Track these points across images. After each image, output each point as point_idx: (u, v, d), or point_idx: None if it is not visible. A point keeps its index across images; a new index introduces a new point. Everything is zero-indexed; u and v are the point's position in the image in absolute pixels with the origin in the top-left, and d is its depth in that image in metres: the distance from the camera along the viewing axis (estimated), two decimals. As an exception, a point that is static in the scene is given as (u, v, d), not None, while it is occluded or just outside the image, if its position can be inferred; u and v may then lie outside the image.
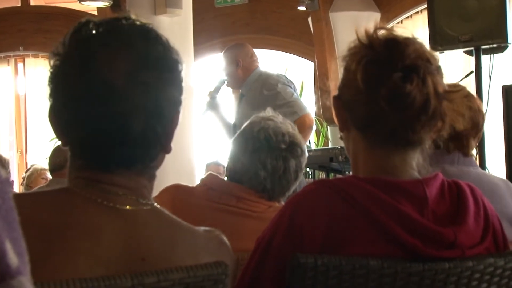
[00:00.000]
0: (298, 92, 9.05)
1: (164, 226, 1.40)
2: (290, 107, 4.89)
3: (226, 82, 5.16)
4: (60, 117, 1.37)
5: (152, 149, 1.38)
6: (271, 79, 5.02)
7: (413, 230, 1.50)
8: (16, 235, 0.75)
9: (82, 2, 6.82)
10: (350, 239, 1.50)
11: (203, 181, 2.53)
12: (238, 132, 2.58)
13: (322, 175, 6.16)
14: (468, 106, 2.51)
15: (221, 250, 1.45)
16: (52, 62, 1.36)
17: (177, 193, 2.51)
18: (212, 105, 5.16)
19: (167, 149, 1.42)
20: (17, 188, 8.28)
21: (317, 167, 5.92)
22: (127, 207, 1.36)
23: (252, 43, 9.96)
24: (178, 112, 1.40)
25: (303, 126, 4.77)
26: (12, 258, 0.72)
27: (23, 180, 6.82)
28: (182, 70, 1.40)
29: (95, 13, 9.33)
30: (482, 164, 4.17)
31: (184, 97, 1.41)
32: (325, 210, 1.52)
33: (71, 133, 1.37)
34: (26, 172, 7.01)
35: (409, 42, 1.57)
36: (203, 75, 9.71)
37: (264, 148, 2.47)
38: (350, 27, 7.97)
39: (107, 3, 6.75)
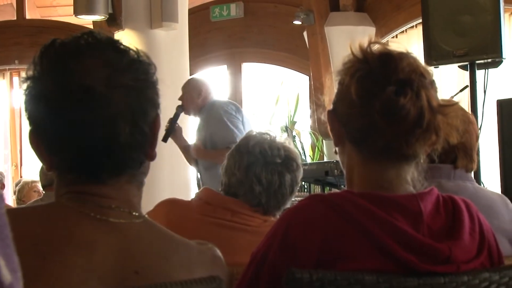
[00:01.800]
0: (293, 107, 9.10)
1: (157, 239, 1.41)
2: (222, 137, 5.39)
3: (183, 110, 5.59)
4: (44, 136, 1.37)
5: (140, 152, 1.40)
6: (219, 106, 5.52)
7: (407, 245, 1.50)
8: (9, 251, 0.75)
9: (78, 16, 6.83)
10: (345, 254, 1.50)
11: (198, 195, 2.53)
12: (234, 146, 2.58)
13: (317, 189, 6.16)
14: (463, 120, 2.52)
15: (215, 263, 1.45)
16: (25, 86, 1.37)
17: (172, 207, 2.50)
18: (172, 131, 5.56)
19: (152, 156, 1.43)
20: (11, 202, 8.26)
21: (312, 181, 5.92)
22: (120, 220, 1.36)
23: (248, 57, 10.02)
24: (158, 115, 1.43)
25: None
26: (5, 275, 0.72)
27: (15, 194, 6.75)
28: (155, 73, 1.43)
29: (91, 26, 9.35)
30: (477, 179, 4.17)
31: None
32: (319, 225, 1.51)
33: (58, 149, 1.36)
34: (16, 186, 6.94)
35: (403, 56, 1.58)
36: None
37: (259, 163, 2.47)
38: (345, 42, 7.98)
39: (103, 17, 6.76)
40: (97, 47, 1.38)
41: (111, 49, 1.38)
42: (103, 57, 1.36)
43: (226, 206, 2.44)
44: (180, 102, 5.57)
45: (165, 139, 5.51)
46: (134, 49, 1.43)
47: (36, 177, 6.13)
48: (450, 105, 1.58)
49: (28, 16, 10.95)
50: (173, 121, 5.53)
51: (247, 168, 2.47)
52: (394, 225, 1.50)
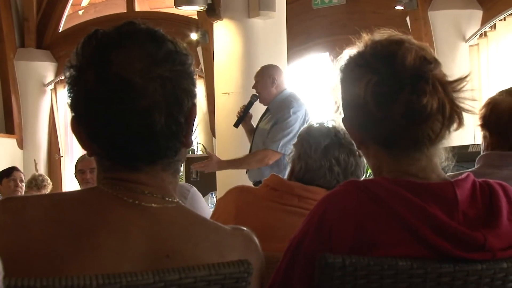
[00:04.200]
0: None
1: (189, 223, 1.44)
2: (270, 136, 5.43)
3: (258, 99, 5.61)
4: (84, 123, 1.43)
5: (176, 141, 1.43)
6: (291, 106, 5.45)
7: (441, 231, 1.49)
8: None
9: (178, 7, 6.99)
10: (379, 241, 1.50)
11: (265, 181, 2.57)
12: (303, 133, 2.60)
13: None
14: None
15: (249, 248, 1.48)
16: (68, 74, 1.43)
17: (240, 194, 2.55)
18: (244, 118, 5.68)
19: (188, 144, 1.47)
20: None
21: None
22: (153, 204, 1.41)
23: (350, 43, 9.90)
24: (194, 105, 1.46)
25: (255, 156, 5.51)
26: None
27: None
28: (192, 63, 1.47)
29: (195, 17, 9.54)
30: None
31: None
32: (354, 211, 1.53)
33: (96, 136, 1.42)
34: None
35: (404, 49, 1.56)
36: (301, 76, 9.74)
37: (336, 145, 2.51)
38: (450, 26, 7.79)
39: (202, 8, 6.90)
40: (136, 38, 1.42)
41: (150, 40, 1.43)
42: (141, 49, 1.41)
43: (293, 192, 2.47)
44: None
45: (236, 125, 5.71)
46: (173, 39, 1.47)
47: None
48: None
49: (137, 8, 11.26)
50: (246, 108, 5.64)
51: (325, 150, 2.51)
52: (428, 212, 1.49)
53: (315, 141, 2.53)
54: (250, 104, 5.64)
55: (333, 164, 2.49)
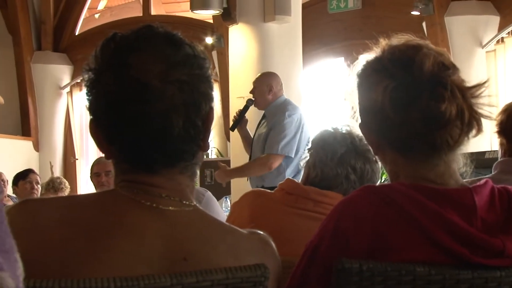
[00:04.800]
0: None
1: (206, 226, 1.44)
2: (269, 142, 5.55)
3: (254, 103, 5.75)
4: (102, 126, 1.43)
5: (193, 144, 1.43)
6: (286, 110, 5.60)
7: (459, 237, 1.48)
8: (2, 234, 0.80)
9: (193, 11, 7.01)
10: (395, 246, 1.50)
11: (280, 185, 2.57)
12: (317, 139, 2.59)
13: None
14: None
15: (265, 251, 1.48)
16: (86, 77, 1.43)
17: (255, 198, 2.55)
18: (240, 121, 5.80)
19: (205, 147, 1.47)
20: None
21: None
22: (170, 208, 1.42)
23: (365, 48, 9.88)
24: (212, 108, 1.46)
25: (258, 161, 5.61)
26: None
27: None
28: (210, 67, 1.47)
29: (211, 21, 9.55)
30: None
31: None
32: (370, 217, 1.52)
33: (114, 139, 1.42)
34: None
35: (421, 54, 1.55)
36: (315, 81, 9.73)
37: (352, 152, 2.50)
38: (466, 32, 7.75)
39: (217, 12, 6.91)
40: (154, 42, 1.42)
41: (168, 43, 1.43)
42: (159, 52, 1.41)
43: (308, 196, 2.46)
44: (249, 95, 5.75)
45: (232, 128, 5.88)
46: (191, 43, 1.48)
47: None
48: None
49: (153, 12, 11.29)
50: (242, 112, 5.78)
51: (341, 158, 2.50)
52: (445, 218, 1.49)
53: (330, 148, 2.53)
54: (245, 108, 5.77)
55: (349, 173, 2.49)
